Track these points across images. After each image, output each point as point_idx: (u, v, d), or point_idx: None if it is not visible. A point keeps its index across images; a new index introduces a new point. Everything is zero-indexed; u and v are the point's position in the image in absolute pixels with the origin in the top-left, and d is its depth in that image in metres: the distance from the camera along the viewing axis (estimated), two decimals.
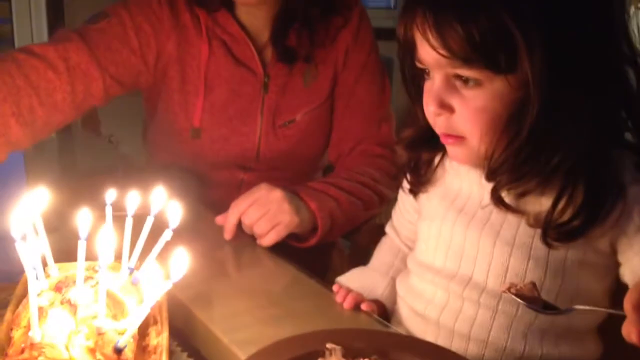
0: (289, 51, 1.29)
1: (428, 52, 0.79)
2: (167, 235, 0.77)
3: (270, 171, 1.36)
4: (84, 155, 1.92)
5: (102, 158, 1.84)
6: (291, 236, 1.16)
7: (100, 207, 0.82)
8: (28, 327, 0.66)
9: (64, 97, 1.15)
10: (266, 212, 1.11)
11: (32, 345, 0.63)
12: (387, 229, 1.10)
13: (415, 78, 0.88)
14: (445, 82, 0.81)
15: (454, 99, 0.80)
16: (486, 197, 0.85)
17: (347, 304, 0.93)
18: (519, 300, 0.73)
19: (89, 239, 0.70)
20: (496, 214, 0.86)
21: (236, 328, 0.86)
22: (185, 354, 0.83)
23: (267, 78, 1.30)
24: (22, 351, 0.64)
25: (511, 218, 0.84)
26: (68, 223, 0.85)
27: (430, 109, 0.82)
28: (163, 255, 0.76)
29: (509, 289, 0.74)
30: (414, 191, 0.98)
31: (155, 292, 0.64)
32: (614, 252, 0.82)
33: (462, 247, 0.88)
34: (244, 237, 1.15)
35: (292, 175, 1.38)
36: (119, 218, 0.82)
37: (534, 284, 0.74)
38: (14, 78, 1.09)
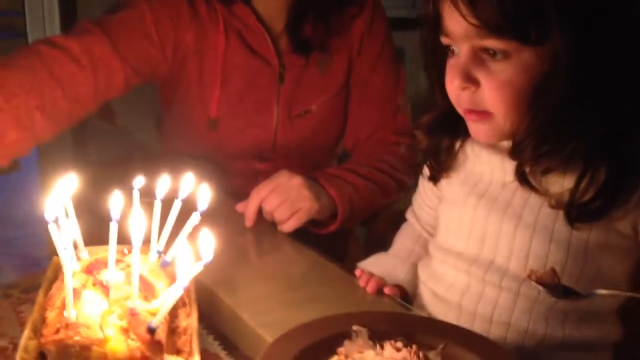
0: (304, 41, 1.30)
1: (457, 22, 0.79)
2: (195, 218, 0.78)
3: (287, 160, 1.37)
4: (96, 144, 1.94)
5: (115, 147, 1.85)
6: (310, 222, 1.17)
7: (125, 192, 0.83)
8: (62, 308, 0.68)
9: (86, 90, 1.16)
10: (286, 198, 1.12)
11: (68, 325, 0.64)
12: (408, 214, 1.11)
13: (437, 59, 0.88)
14: (471, 55, 0.80)
15: (480, 72, 0.80)
16: (508, 180, 0.86)
17: (370, 288, 0.94)
18: (540, 287, 0.74)
19: (117, 223, 0.72)
20: (518, 198, 0.86)
21: (261, 311, 0.87)
22: (211, 337, 0.84)
23: (282, 68, 1.31)
24: (57, 331, 0.65)
25: (533, 201, 0.85)
26: (92, 208, 0.87)
27: (455, 83, 0.82)
28: (187, 238, 0.78)
29: (529, 276, 0.75)
30: (435, 177, 0.98)
31: (186, 273, 0.65)
32: (636, 234, 0.82)
33: (483, 231, 0.89)
34: (264, 223, 1.16)
35: (308, 164, 1.39)
36: (145, 204, 0.83)
37: (554, 271, 0.75)
38: (38, 71, 1.09)
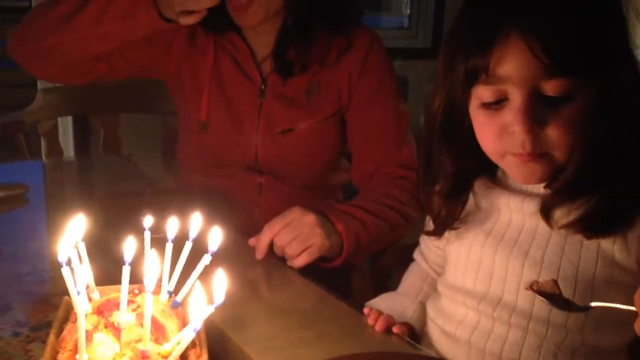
0: (285, 65, 1.37)
1: (523, 65, 0.78)
2: (206, 259, 0.79)
3: (282, 178, 1.42)
4: (102, 176, 1.95)
5: (120, 179, 1.86)
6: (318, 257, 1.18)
7: (134, 229, 0.84)
8: (74, 351, 0.68)
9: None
10: (299, 234, 1.14)
11: None
12: (415, 255, 1.12)
13: (452, 123, 0.88)
14: (532, 96, 0.79)
15: (545, 112, 0.80)
16: (514, 218, 0.87)
17: (379, 327, 0.94)
18: (541, 298, 0.74)
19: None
20: (524, 235, 0.87)
21: (270, 350, 0.87)
22: None
23: (264, 85, 1.39)
24: None
25: (539, 238, 0.86)
26: (102, 247, 0.88)
27: (521, 127, 0.80)
28: (198, 278, 0.78)
29: (531, 287, 0.75)
30: (441, 234, 0.98)
31: (198, 315, 0.66)
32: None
33: (491, 268, 0.89)
34: (272, 258, 1.16)
35: (302, 184, 1.44)
36: (153, 240, 0.84)
37: (555, 281, 0.75)
38: None
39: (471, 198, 0.95)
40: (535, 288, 0.75)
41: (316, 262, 1.18)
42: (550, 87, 0.78)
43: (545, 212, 0.84)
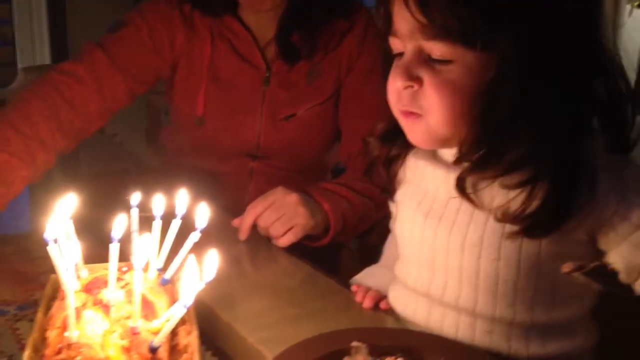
0: (291, 50, 1.33)
1: (406, 20, 0.77)
2: (195, 236, 0.78)
3: (277, 161, 1.40)
4: (86, 154, 1.93)
5: (105, 157, 1.85)
6: (304, 236, 1.18)
7: (122, 208, 0.83)
8: (63, 328, 0.68)
9: (96, 106, 1.28)
10: (282, 215, 1.13)
11: (70, 346, 0.64)
12: (391, 224, 1.11)
13: (389, 66, 0.85)
14: (416, 54, 0.78)
15: (423, 70, 0.78)
16: (452, 195, 0.82)
17: (367, 303, 0.94)
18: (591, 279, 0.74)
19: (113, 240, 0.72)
20: (462, 214, 0.83)
21: (259, 327, 0.87)
22: (209, 353, 0.84)
23: (268, 72, 1.35)
24: (59, 351, 0.65)
25: (477, 217, 0.82)
26: (88, 225, 0.87)
27: (397, 82, 0.80)
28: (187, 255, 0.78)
29: (575, 269, 0.75)
30: (388, 190, 0.96)
31: (189, 292, 0.65)
32: (592, 241, 0.80)
33: (433, 252, 0.86)
34: (258, 235, 1.16)
35: (297, 167, 1.42)
36: (141, 218, 0.83)
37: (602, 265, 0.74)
38: (53, 97, 1.23)
39: (411, 171, 0.91)
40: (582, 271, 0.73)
41: (302, 241, 1.18)
42: (430, 48, 0.77)
43: (459, 188, 0.80)
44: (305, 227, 1.15)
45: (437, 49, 0.76)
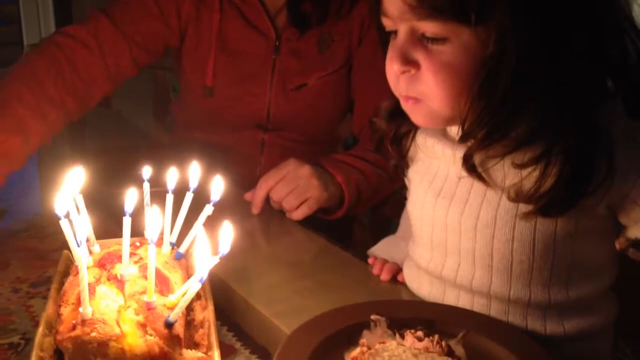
0: (302, 17, 1.31)
1: (393, 2, 0.74)
2: (208, 210, 0.77)
3: (288, 133, 1.38)
4: (93, 130, 1.92)
5: (111, 133, 1.83)
6: (318, 209, 1.16)
7: (132, 183, 0.81)
8: (76, 304, 0.66)
9: (100, 72, 1.25)
10: (295, 187, 1.12)
11: (84, 322, 0.63)
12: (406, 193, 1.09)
13: (386, 43, 0.82)
14: (409, 36, 0.75)
15: (418, 53, 0.75)
16: (462, 174, 0.79)
17: (385, 276, 0.92)
18: None
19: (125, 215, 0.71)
20: (474, 194, 0.80)
21: (274, 301, 0.86)
22: (225, 328, 0.83)
23: (278, 41, 1.33)
24: (74, 328, 0.63)
25: (490, 197, 0.79)
26: (99, 200, 0.86)
27: (393, 67, 0.77)
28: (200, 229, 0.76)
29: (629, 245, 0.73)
30: (398, 166, 0.94)
31: (204, 266, 0.64)
32: (612, 215, 0.77)
33: (444, 233, 0.83)
34: (271, 208, 1.15)
35: (308, 138, 1.40)
36: (153, 193, 0.82)
37: None
38: (58, 58, 1.21)
39: (420, 150, 0.88)
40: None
41: (316, 214, 1.16)
42: (423, 28, 0.74)
43: (467, 166, 0.77)
44: (319, 200, 1.13)
45: (430, 28, 0.73)
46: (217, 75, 1.34)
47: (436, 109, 0.77)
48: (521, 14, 0.69)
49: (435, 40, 0.73)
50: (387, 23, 0.78)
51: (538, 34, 0.70)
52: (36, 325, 0.79)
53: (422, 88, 0.76)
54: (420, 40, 0.74)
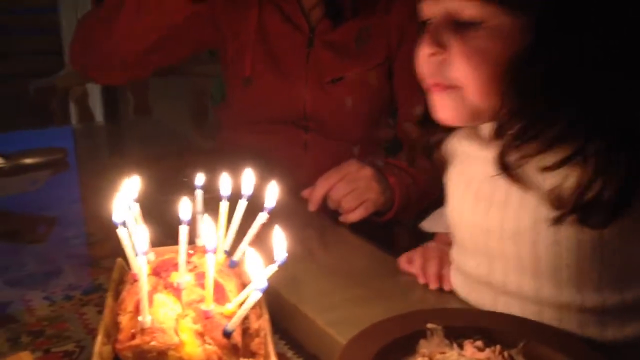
0: (337, 8, 1.33)
1: None
2: (262, 217, 0.76)
3: (328, 132, 1.38)
4: (133, 138, 1.94)
5: (152, 142, 1.85)
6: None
7: (180, 190, 0.82)
8: (135, 312, 0.66)
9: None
10: (355, 188, 1.12)
11: (143, 330, 0.63)
12: None
13: None
14: (444, 20, 0.74)
15: (451, 36, 0.73)
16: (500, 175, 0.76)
17: (433, 284, 0.91)
18: None
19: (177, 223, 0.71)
20: (514, 197, 0.77)
21: (326, 309, 0.85)
22: (277, 336, 0.82)
23: (312, 33, 1.35)
24: (133, 336, 0.63)
25: (530, 199, 0.75)
26: (149, 208, 0.86)
27: (424, 50, 0.75)
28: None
29: None
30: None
31: (262, 275, 0.64)
32: None
33: (486, 237, 0.81)
34: (323, 217, 1.15)
35: (349, 138, 1.40)
36: (207, 201, 0.82)
37: None
38: None
39: (453, 156, 0.87)
40: None
41: (369, 217, 1.16)
42: (461, 9, 0.72)
43: (501, 167, 0.74)
44: (376, 203, 1.14)
45: (467, 8, 0.71)
46: (255, 65, 1.37)
47: (470, 97, 0.75)
48: (562, 5, 0.67)
49: (470, 25, 0.72)
50: (424, 9, 0.77)
51: (579, 26, 0.67)
52: (89, 333, 0.80)
53: (457, 74, 0.74)
54: (453, 25, 0.73)
